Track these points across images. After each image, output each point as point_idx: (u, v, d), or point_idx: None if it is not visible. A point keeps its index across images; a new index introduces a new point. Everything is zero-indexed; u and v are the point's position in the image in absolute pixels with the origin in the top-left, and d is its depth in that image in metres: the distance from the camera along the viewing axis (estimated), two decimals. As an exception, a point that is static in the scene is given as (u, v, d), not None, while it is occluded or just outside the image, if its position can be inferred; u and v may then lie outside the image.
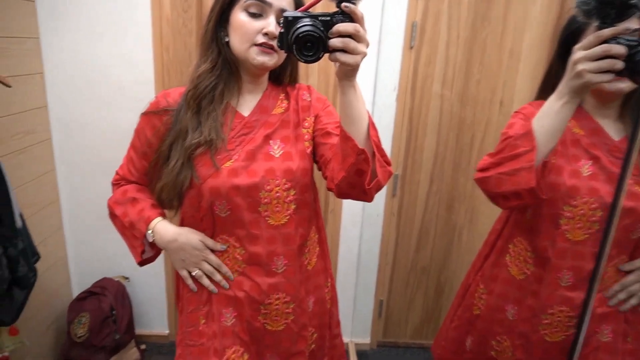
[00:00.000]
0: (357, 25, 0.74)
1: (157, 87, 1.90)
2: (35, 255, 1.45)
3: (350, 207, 2.08)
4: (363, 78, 1.85)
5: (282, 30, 0.77)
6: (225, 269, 1.02)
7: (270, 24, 0.92)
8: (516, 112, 1.11)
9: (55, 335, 1.98)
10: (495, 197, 1.03)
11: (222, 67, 0.98)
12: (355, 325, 2.28)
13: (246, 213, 0.97)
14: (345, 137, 0.83)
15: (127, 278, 2.14)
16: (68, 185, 2.01)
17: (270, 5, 0.92)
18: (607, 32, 0.82)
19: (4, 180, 1.26)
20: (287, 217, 1.00)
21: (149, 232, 1.02)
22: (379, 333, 2.32)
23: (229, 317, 1.02)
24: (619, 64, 0.82)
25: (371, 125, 0.85)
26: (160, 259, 2.09)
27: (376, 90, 1.95)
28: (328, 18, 0.75)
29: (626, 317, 1.09)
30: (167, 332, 2.27)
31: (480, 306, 1.22)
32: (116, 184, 1.11)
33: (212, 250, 1.02)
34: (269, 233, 0.99)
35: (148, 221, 1.02)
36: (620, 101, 1.06)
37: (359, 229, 2.12)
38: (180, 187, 0.96)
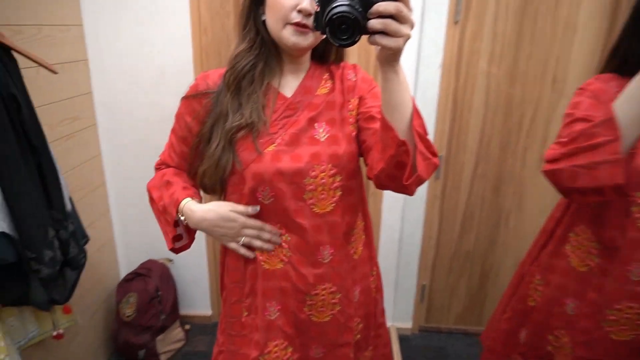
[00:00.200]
0: (399, 4, 0.66)
1: (196, 70, 1.90)
2: (85, 238, 1.49)
3: (391, 190, 2.03)
4: (405, 56, 1.76)
5: (318, 10, 0.71)
6: (268, 227, 0.97)
7: (305, 0, 0.86)
8: (580, 88, 1.01)
9: (105, 315, 2.06)
10: (568, 192, 0.93)
11: (261, 46, 0.94)
12: (397, 310, 2.25)
13: (290, 201, 0.94)
14: (386, 126, 0.78)
15: (171, 260, 2.19)
16: (114, 170, 2.06)
17: None
18: None
19: (53, 165, 1.29)
20: (333, 205, 0.96)
21: (180, 216, 0.97)
22: (421, 318, 2.28)
23: (273, 310, 1.00)
24: None
25: (415, 114, 0.78)
26: (202, 240, 2.15)
27: (419, 69, 1.87)
28: None
29: None
30: (210, 313, 2.32)
31: (536, 298, 1.16)
32: (158, 168, 1.10)
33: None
34: (315, 222, 0.95)
35: (177, 204, 0.97)
36: None
37: (400, 212, 2.07)
38: (222, 172, 0.94)
